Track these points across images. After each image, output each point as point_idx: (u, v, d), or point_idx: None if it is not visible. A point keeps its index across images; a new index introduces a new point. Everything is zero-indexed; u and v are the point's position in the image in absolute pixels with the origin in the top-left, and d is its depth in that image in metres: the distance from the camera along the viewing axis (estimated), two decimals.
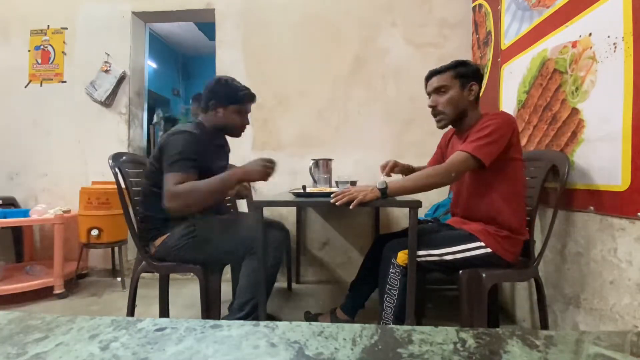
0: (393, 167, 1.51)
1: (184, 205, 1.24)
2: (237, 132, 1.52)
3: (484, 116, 1.29)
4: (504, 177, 1.28)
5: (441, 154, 1.59)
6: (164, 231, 1.42)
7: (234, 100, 1.44)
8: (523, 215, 1.33)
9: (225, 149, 1.65)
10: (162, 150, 1.33)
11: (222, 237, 1.38)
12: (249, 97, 1.48)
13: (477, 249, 1.27)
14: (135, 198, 1.49)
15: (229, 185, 1.33)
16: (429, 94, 1.36)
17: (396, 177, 1.65)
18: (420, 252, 1.28)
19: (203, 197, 1.26)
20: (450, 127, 1.43)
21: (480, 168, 1.22)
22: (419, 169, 1.59)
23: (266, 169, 1.33)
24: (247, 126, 1.55)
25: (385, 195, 1.24)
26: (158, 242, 1.42)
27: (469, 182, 1.36)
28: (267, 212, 2.06)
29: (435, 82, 1.33)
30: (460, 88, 1.30)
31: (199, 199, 1.25)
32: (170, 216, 1.35)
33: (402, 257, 1.29)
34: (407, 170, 1.58)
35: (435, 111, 1.34)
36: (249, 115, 1.56)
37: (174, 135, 1.34)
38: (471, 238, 1.29)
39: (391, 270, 1.31)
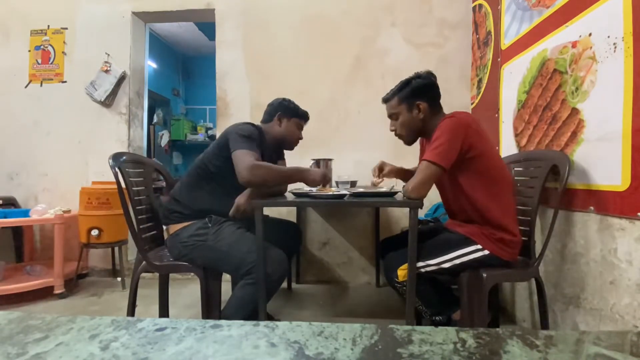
0: (382, 169, 1.54)
1: (262, 179, 1.35)
2: (292, 144, 1.69)
3: (440, 123, 1.29)
4: (477, 175, 1.28)
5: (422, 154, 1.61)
6: (185, 219, 1.46)
7: (297, 115, 1.65)
8: (510, 209, 1.31)
9: (272, 157, 1.70)
10: (228, 136, 1.45)
11: (228, 251, 1.37)
12: (307, 116, 1.70)
13: (474, 252, 1.27)
14: (136, 198, 1.49)
15: (295, 179, 1.47)
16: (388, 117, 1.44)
17: (388, 181, 1.67)
18: (418, 264, 1.28)
19: (277, 178, 1.40)
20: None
21: (443, 172, 1.24)
22: (411, 170, 1.60)
23: (323, 180, 1.45)
24: None
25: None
26: (173, 229, 1.48)
27: (449, 187, 1.37)
28: (268, 211, 2.06)
29: (387, 109, 1.43)
30: (408, 111, 1.37)
31: (272, 179, 1.38)
32: (200, 207, 1.46)
33: (401, 274, 1.30)
34: (401, 172, 1.59)
35: (395, 134, 1.44)
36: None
37: (242, 124, 1.50)
38: (467, 241, 1.29)
39: (397, 286, 1.35)
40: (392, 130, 1.44)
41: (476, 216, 1.31)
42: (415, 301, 1.32)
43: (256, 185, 1.39)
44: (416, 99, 1.34)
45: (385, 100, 1.42)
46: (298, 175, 1.45)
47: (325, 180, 1.47)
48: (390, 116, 1.42)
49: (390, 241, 1.60)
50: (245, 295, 1.33)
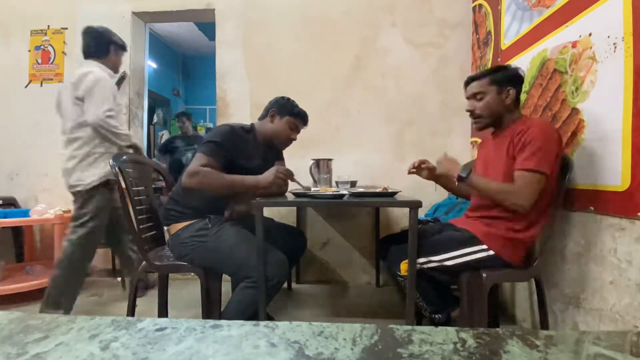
0: (420, 166, 1.48)
1: (196, 185, 1.37)
2: (282, 143, 1.64)
3: (526, 120, 1.26)
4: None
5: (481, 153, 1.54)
6: (185, 219, 1.47)
7: (291, 113, 1.60)
8: (541, 213, 1.26)
9: (267, 156, 1.64)
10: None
11: (228, 252, 1.37)
12: (303, 117, 1.64)
13: (478, 252, 1.27)
14: (136, 198, 1.49)
15: (240, 188, 1.42)
16: (467, 98, 1.38)
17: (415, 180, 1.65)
18: (420, 260, 1.29)
19: (215, 186, 1.38)
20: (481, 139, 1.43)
21: (546, 179, 1.18)
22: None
23: (278, 179, 1.39)
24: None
25: (463, 180, 1.28)
26: (174, 228, 1.47)
27: (500, 174, 1.29)
28: (273, 215, 2.06)
29: (473, 87, 1.35)
30: (497, 93, 1.31)
31: (210, 185, 1.38)
32: (196, 206, 1.47)
33: (404, 267, 1.30)
34: (435, 176, 1.51)
35: (473, 115, 1.37)
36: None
37: (219, 126, 1.52)
38: (473, 241, 1.28)
39: (399, 280, 1.35)
40: (469, 110, 1.37)
41: (504, 212, 1.26)
42: (416, 297, 1.32)
43: (194, 190, 1.39)
44: (508, 84, 1.29)
45: (474, 78, 1.36)
46: (242, 183, 1.40)
47: (278, 178, 1.38)
48: (474, 94, 1.35)
49: (390, 238, 1.60)
50: (245, 299, 1.33)
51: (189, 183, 1.37)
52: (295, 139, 1.65)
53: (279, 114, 1.59)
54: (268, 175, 1.41)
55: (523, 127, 1.23)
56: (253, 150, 1.55)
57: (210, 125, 5.52)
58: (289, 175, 1.44)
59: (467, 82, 1.38)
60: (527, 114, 1.60)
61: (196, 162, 1.38)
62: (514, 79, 1.31)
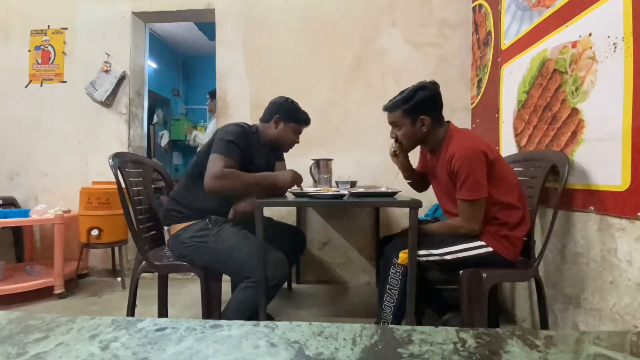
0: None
1: (223, 188, 1.39)
2: (287, 146, 1.67)
3: (453, 139, 1.30)
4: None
5: (422, 162, 1.60)
6: (186, 219, 1.46)
7: (295, 119, 1.61)
8: (515, 206, 1.30)
9: (270, 157, 1.68)
10: (215, 136, 1.47)
11: (228, 253, 1.37)
12: (307, 121, 1.66)
13: (477, 248, 1.28)
14: (136, 198, 1.49)
15: (264, 185, 1.47)
16: (389, 124, 1.43)
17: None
18: (421, 252, 1.29)
19: (240, 187, 1.42)
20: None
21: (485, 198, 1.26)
22: (416, 170, 1.61)
23: (294, 180, 1.50)
24: None
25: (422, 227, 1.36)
26: (174, 229, 1.47)
27: (451, 192, 1.35)
28: (272, 214, 2.06)
29: (389, 118, 1.41)
30: (411, 124, 1.36)
31: (236, 187, 1.41)
32: (199, 207, 1.46)
33: (403, 256, 1.30)
34: (409, 167, 1.57)
35: (396, 141, 1.43)
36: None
37: (229, 125, 1.52)
38: (472, 236, 1.29)
39: (392, 270, 1.33)
40: (392, 137, 1.43)
41: (492, 213, 1.31)
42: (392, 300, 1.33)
43: (218, 193, 1.41)
44: (420, 113, 1.33)
45: (388, 109, 1.39)
46: (266, 181, 1.47)
47: (296, 180, 1.51)
48: (391, 124, 1.41)
49: (390, 239, 1.60)
50: (245, 299, 1.34)
51: (213, 186, 1.36)
52: (298, 142, 1.67)
53: (283, 120, 1.58)
54: (287, 176, 1.48)
55: (452, 152, 1.27)
56: (258, 150, 1.57)
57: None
58: (301, 181, 1.55)
59: (385, 110, 1.41)
60: (526, 114, 1.60)
61: (218, 164, 1.37)
62: (426, 105, 1.34)
